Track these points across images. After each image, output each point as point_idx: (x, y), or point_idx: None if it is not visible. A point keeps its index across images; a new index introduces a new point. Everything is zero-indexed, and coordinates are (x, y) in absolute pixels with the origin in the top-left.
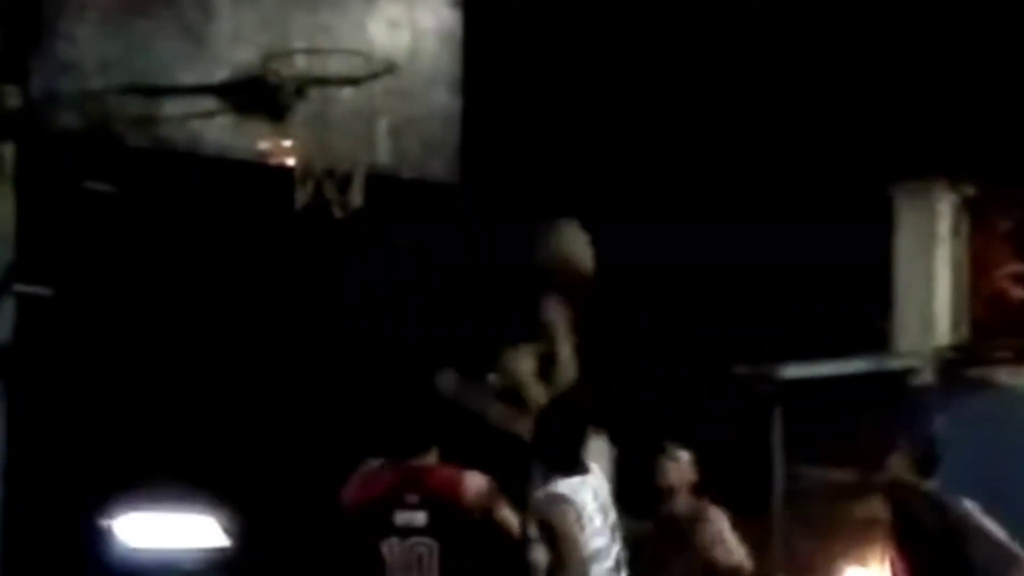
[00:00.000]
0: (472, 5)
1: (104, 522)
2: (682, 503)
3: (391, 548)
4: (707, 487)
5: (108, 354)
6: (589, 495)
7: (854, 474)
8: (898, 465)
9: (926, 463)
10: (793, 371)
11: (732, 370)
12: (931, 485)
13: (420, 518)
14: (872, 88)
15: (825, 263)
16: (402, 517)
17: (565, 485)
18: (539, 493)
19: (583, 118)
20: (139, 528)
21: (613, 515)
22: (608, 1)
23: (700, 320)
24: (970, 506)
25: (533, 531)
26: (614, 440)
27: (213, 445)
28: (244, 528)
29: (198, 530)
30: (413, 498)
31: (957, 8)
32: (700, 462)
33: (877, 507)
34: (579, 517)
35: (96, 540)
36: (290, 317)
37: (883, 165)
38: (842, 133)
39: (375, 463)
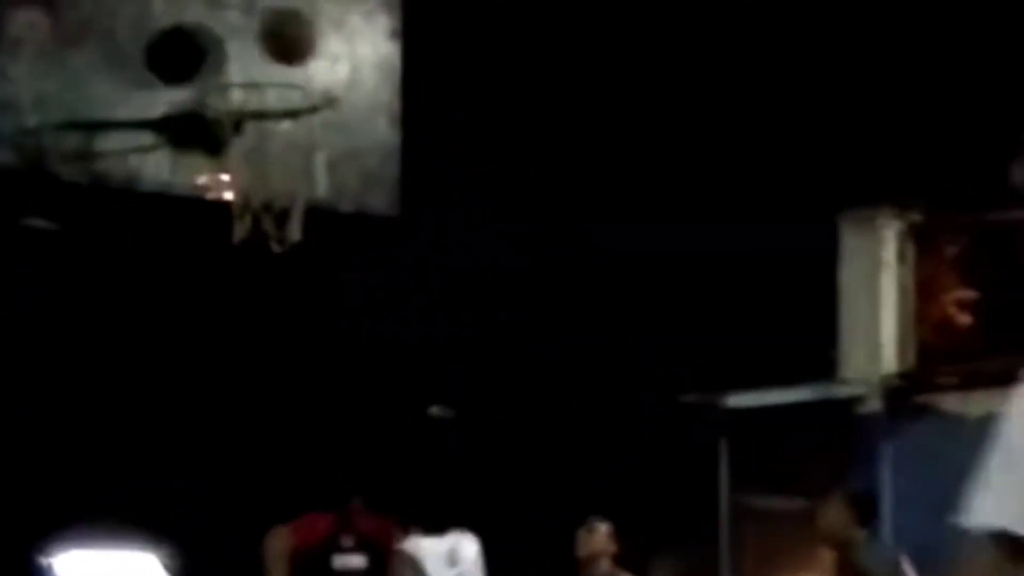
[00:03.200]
0: (411, 37)
1: (44, 560)
2: (599, 573)
3: None
4: (654, 518)
5: (46, 390)
6: (439, 550)
7: (801, 502)
8: (834, 516)
9: (865, 511)
10: (739, 400)
11: (678, 399)
12: (866, 534)
13: (357, 561)
14: (817, 117)
15: (771, 291)
16: (340, 560)
17: (414, 543)
18: (395, 548)
19: (523, 149)
20: (80, 566)
21: (463, 569)
22: (547, 35)
23: (645, 350)
24: (902, 558)
25: None
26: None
27: (153, 482)
28: (184, 565)
29: (138, 567)
30: (349, 541)
31: (901, 36)
32: (647, 496)
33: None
34: (416, 567)
35: None
36: (228, 353)
37: (828, 193)
38: (788, 161)
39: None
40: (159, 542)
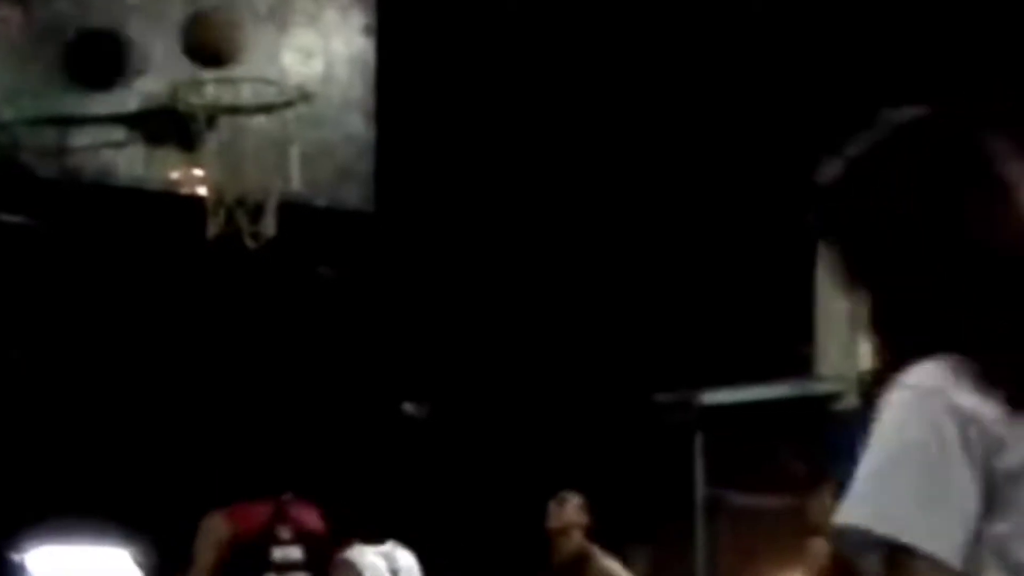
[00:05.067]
0: (385, 33)
1: (16, 556)
2: (570, 545)
3: None
4: (629, 517)
5: (17, 385)
6: (379, 560)
7: (778, 500)
8: (826, 507)
9: None
10: (714, 397)
11: (651, 397)
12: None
13: (295, 553)
14: (795, 114)
15: (746, 286)
16: (279, 552)
17: (357, 551)
18: (336, 557)
19: (498, 145)
20: (51, 562)
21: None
22: (521, 30)
23: (620, 346)
24: None
25: None
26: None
27: (125, 477)
28: (157, 561)
29: (111, 563)
30: (287, 533)
31: (876, 41)
32: (620, 493)
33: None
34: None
35: (8, 575)
36: (201, 348)
37: (804, 188)
38: (764, 156)
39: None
40: (132, 538)
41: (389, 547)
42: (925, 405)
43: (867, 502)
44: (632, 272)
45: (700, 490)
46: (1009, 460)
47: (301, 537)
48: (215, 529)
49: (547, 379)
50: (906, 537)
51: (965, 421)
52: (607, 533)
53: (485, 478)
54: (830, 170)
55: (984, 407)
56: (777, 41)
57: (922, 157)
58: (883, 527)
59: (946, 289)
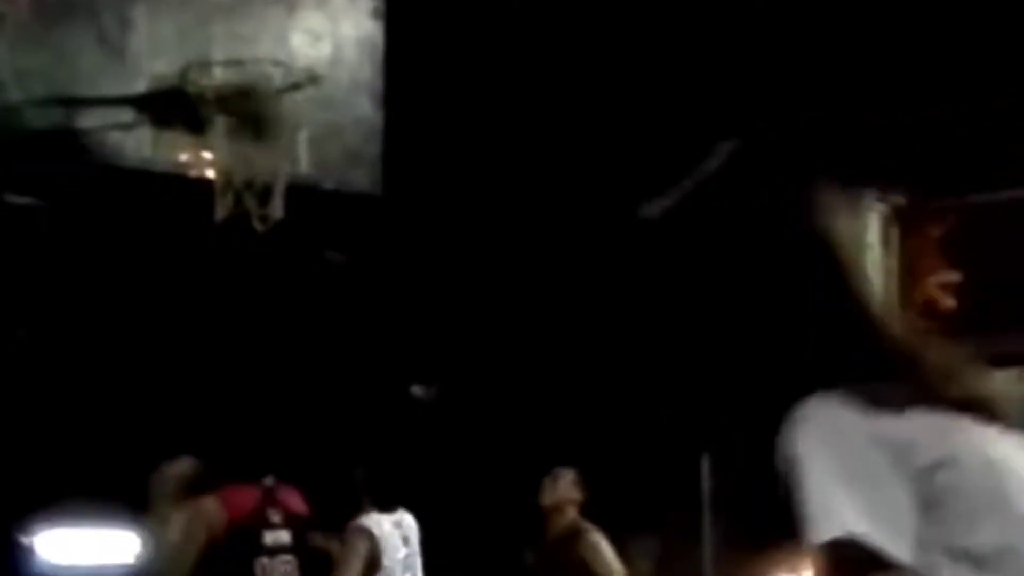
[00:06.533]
0: (393, 15)
1: (25, 539)
2: (564, 521)
3: (262, 567)
4: (634, 507)
5: (25, 367)
6: (395, 529)
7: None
8: None
9: None
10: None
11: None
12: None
13: (285, 536)
14: (797, 100)
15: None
16: (270, 536)
17: (374, 520)
18: (352, 523)
19: (506, 128)
20: (60, 544)
21: (412, 549)
22: (529, 13)
23: (627, 331)
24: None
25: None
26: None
27: (133, 459)
28: None
29: (120, 546)
30: (277, 517)
31: (876, 23)
32: (626, 483)
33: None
34: (375, 544)
35: (17, 557)
36: (209, 330)
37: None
38: None
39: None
40: (140, 520)
41: (399, 515)
42: (843, 429)
43: (843, 520)
44: (640, 255)
45: (707, 481)
46: (926, 457)
47: (289, 520)
48: (211, 511)
49: (554, 364)
50: (881, 545)
51: (883, 440)
52: (612, 523)
53: (492, 461)
54: (656, 206)
55: (890, 422)
56: (781, 37)
57: (743, 190)
58: (877, 541)
59: (785, 321)
